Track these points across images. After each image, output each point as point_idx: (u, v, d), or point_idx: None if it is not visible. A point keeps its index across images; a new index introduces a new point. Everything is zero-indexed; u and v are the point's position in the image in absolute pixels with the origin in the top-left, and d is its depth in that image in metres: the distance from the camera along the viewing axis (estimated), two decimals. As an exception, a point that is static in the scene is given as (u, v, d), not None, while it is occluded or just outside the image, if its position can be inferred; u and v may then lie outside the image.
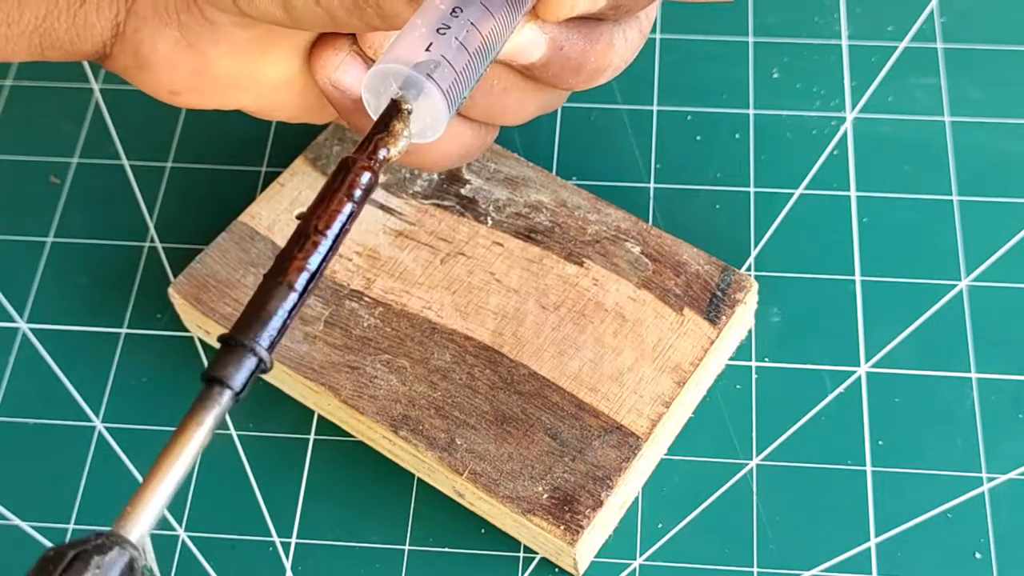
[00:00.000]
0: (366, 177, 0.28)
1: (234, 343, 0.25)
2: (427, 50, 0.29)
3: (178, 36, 0.32)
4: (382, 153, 0.29)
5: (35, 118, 0.51)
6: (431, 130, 0.30)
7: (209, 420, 0.25)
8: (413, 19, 0.29)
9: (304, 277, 0.26)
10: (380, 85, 0.30)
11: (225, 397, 0.25)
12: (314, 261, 0.27)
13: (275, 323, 0.26)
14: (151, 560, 0.24)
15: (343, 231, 0.27)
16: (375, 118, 0.30)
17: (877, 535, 0.40)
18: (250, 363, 0.25)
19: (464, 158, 0.36)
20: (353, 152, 0.28)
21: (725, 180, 0.47)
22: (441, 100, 0.29)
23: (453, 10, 0.29)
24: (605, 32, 0.33)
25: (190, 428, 0.25)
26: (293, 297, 0.26)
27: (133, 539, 0.23)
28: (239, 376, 0.25)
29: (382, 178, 0.44)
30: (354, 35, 0.33)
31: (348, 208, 0.27)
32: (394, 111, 0.29)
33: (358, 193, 0.28)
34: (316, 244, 0.27)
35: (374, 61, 0.31)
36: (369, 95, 0.30)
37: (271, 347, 0.26)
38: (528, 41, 0.32)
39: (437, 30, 0.29)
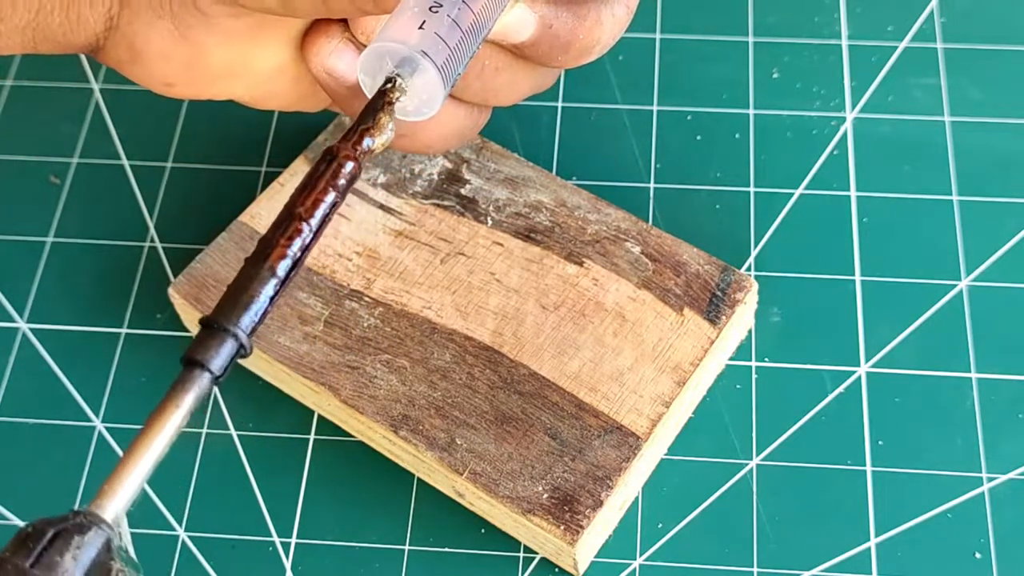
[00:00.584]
0: (349, 166, 0.28)
1: (215, 327, 0.25)
2: (420, 28, 0.29)
3: (171, 27, 0.32)
4: (367, 143, 0.29)
5: (35, 118, 0.51)
6: (427, 107, 0.30)
7: (188, 402, 0.25)
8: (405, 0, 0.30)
9: (287, 263, 0.26)
10: (375, 65, 0.30)
11: (204, 380, 0.25)
12: (297, 247, 0.27)
13: (256, 308, 0.26)
14: (127, 539, 0.24)
15: (326, 219, 0.27)
16: (370, 97, 0.30)
17: (877, 535, 0.40)
18: (230, 347, 0.25)
19: (458, 141, 0.36)
20: (338, 141, 0.29)
21: (725, 180, 0.47)
22: (436, 76, 0.30)
23: None
24: (592, 9, 0.33)
25: (168, 409, 0.25)
26: (275, 283, 0.26)
27: (108, 518, 0.23)
28: (219, 360, 0.25)
29: (382, 178, 0.44)
30: (346, 21, 0.33)
31: (331, 196, 0.27)
32: (380, 103, 0.29)
33: (342, 182, 0.28)
34: (299, 231, 0.27)
35: (366, 47, 0.31)
36: (365, 76, 0.30)
37: (252, 332, 0.26)
38: (517, 20, 0.32)
39: (429, 8, 0.30)
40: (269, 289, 0.26)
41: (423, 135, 0.34)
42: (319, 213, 0.27)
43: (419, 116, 0.31)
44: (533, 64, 0.34)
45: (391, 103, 0.29)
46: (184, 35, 0.32)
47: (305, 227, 0.27)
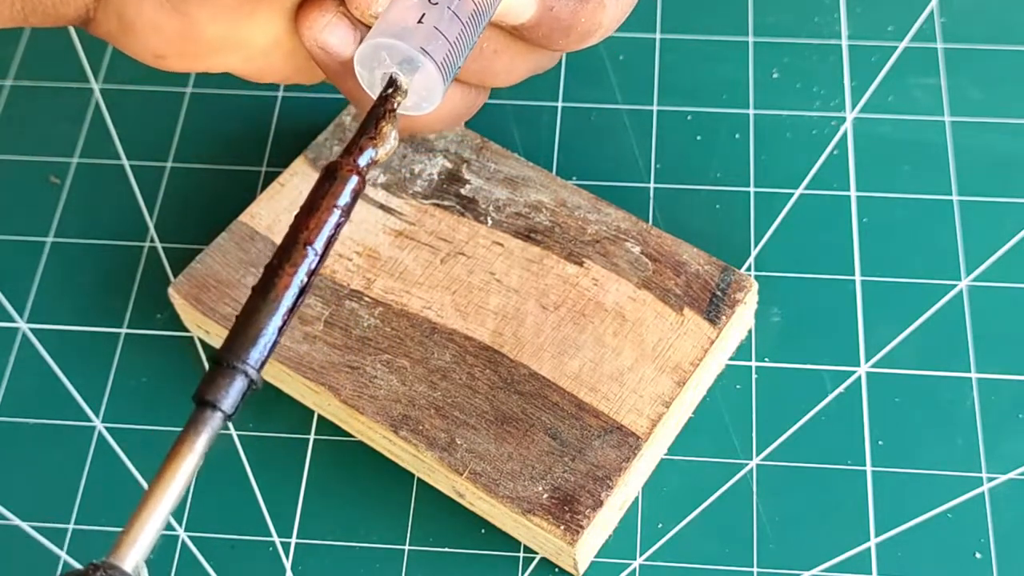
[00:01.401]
0: (353, 181, 0.27)
1: (225, 364, 0.25)
2: (419, 22, 0.29)
3: None
4: (369, 154, 0.28)
5: (35, 118, 0.51)
6: (427, 102, 0.30)
7: (201, 444, 0.25)
8: None
9: (293, 292, 0.26)
10: (373, 59, 0.30)
11: (217, 419, 0.25)
12: (303, 274, 0.26)
13: (265, 341, 0.26)
14: None
15: (331, 240, 0.27)
16: (367, 90, 0.30)
17: (877, 535, 0.40)
18: (241, 384, 0.25)
19: (455, 121, 0.35)
20: (340, 156, 0.28)
21: (725, 180, 0.47)
22: (436, 73, 0.29)
23: None
24: None
25: (182, 452, 0.25)
26: (283, 313, 0.26)
27: (128, 569, 0.23)
28: (229, 399, 0.25)
29: (382, 178, 0.44)
30: None
31: (335, 216, 0.27)
32: (382, 110, 0.29)
33: (345, 200, 0.27)
34: (304, 256, 0.26)
35: (361, 22, 0.30)
36: (362, 68, 0.30)
37: (261, 366, 0.26)
38: (518, 2, 0.31)
39: None
40: (277, 320, 0.26)
41: (417, 117, 0.34)
42: (323, 235, 0.27)
43: (417, 111, 0.30)
44: (533, 46, 0.34)
45: (393, 110, 0.29)
46: (175, 6, 0.32)
47: (310, 251, 0.26)
